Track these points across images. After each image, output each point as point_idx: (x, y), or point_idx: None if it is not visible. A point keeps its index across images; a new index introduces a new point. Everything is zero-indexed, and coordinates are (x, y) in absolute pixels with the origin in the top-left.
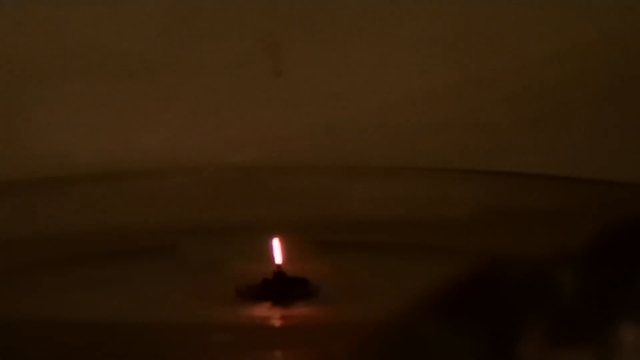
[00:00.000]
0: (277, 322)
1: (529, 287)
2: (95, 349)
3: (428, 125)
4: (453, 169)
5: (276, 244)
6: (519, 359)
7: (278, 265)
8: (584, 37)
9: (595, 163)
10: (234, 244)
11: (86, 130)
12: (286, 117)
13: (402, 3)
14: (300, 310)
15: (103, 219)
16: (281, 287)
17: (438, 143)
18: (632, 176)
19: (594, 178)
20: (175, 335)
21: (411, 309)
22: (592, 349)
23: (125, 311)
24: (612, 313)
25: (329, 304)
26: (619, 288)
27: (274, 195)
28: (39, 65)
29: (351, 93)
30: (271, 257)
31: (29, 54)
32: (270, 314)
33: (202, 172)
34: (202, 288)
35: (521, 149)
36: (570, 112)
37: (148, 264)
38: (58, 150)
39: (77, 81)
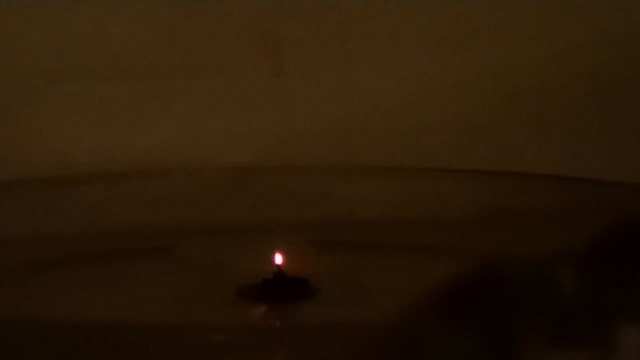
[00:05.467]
0: (277, 322)
1: (529, 287)
2: (95, 349)
3: (428, 125)
4: (453, 169)
5: (276, 244)
6: (519, 359)
7: (278, 265)
8: (584, 37)
9: (595, 163)
10: (234, 244)
11: (87, 130)
12: (286, 117)
13: (401, 3)
14: (300, 310)
15: (103, 219)
16: (281, 287)
17: (438, 143)
18: (632, 176)
19: (594, 178)
20: (175, 335)
21: (411, 309)
22: (592, 349)
23: (125, 311)
24: (612, 313)
25: (329, 304)
26: (619, 288)
27: (274, 195)
28: (40, 66)
29: (351, 93)
30: (271, 257)
31: (29, 54)
32: (270, 314)
33: (202, 172)
34: (202, 288)
35: (521, 149)
36: (570, 112)
37: (148, 264)
38: (58, 150)
39: (77, 81)
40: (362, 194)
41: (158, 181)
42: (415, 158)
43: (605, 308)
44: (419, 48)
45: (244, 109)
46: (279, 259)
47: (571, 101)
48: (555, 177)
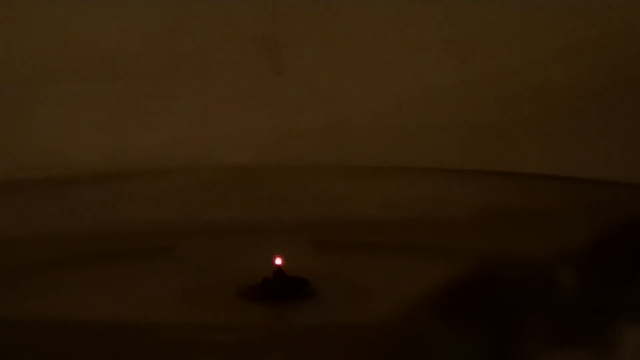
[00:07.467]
0: (277, 322)
1: (529, 287)
2: (96, 349)
3: (428, 125)
4: (453, 169)
5: (276, 244)
6: (519, 359)
7: (278, 265)
8: (584, 37)
9: (596, 163)
10: (234, 244)
11: (86, 130)
12: (286, 117)
13: (402, 4)
14: (300, 310)
15: (103, 219)
16: (281, 287)
17: (438, 143)
18: (632, 176)
19: (594, 178)
20: (175, 335)
21: (411, 309)
22: (592, 349)
23: (125, 311)
24: (612, 313)
25: (329, 304)
26: (619, 288)
27: (274, 195)
28: (40, 66)
29: (351, 93)
30: (271, 257)
31: (29, 54)
32: (270, 314)
33: (202, 172)
34: (202, 288)
35: (521, 149)
36: (570, 112)
37: (148, 264)
38: (58, 150)
39: (77, 81)
40: (361, 194)
41: (158, 181)
42: (415, 158)
43: (605, 308)
44: (419, 48)
45: (244, 109)
46: (279, 259)
47: (571, 101)
48: (555, 177)
